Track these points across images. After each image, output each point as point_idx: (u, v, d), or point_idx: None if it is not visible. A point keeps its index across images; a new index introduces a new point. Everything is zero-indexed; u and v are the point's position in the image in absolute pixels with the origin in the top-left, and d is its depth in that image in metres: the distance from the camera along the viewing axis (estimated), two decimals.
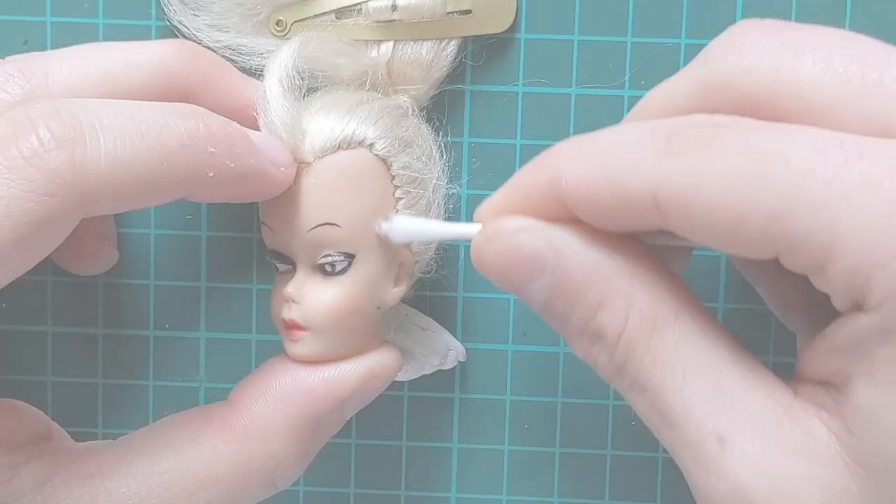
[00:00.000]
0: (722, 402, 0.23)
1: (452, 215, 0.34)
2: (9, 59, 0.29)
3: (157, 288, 0.35)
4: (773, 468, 0.22)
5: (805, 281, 0.23)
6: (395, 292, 0.30)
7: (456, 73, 0.33)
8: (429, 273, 0.32)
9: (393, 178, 0.30)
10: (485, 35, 0.33)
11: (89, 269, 0.33)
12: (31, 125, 0.25)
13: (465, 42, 0.33)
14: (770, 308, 0.30)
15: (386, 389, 0.32)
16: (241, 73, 0.32)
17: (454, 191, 0.34)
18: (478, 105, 0.34)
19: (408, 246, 0.30)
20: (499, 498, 0.36)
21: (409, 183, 0.30)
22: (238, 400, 0.29)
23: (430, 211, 0.31)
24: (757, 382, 0.23)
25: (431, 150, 0.32)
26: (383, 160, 0.30)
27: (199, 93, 0.30)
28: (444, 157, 0.32)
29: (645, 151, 0.23)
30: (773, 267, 0.23)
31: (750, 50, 0.24)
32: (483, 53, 0.34)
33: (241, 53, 0.32)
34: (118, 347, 0.35)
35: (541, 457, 0.36)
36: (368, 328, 0.30)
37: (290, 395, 0.29)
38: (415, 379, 0.35)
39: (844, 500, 0.22)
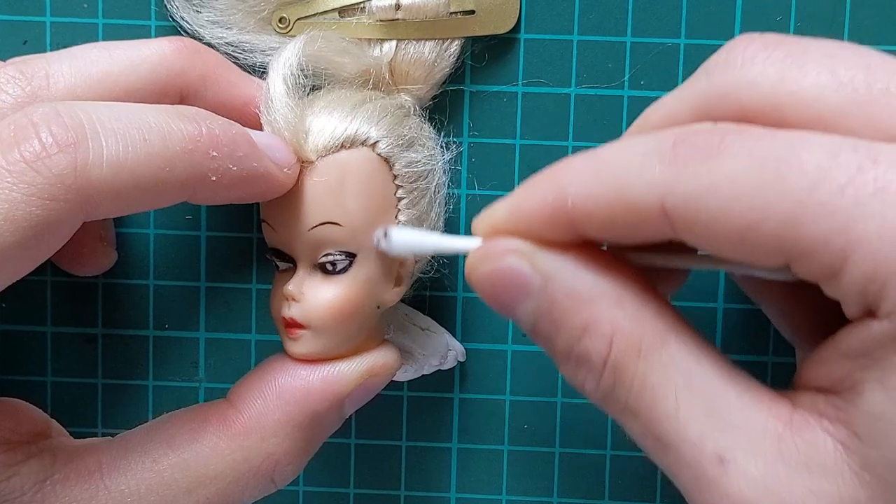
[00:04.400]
0: (719, 421, 0.23)
1: (453, 215, 0.34)
2: (10, 61, 0.29)
3: (157, 288, 0.35)
4: (778, 484, 0.22)
5: (807, 293, 0.23)
6: (396, 292, 0.30)
7: (456, 74, 0.33)
8: (429, 273, 0.32)
9: (395, 177, 0.30)
10: (486, 36, 0.33)
11: (88, 270, 0.33)
12: (33, 129, 0.25)
13: (467, 42, 0.33)
14: (771, 319, 0.30)
15: (386, 389, 0.32)
16: (241, 70, 0.32)
17: (455, 191, 0.34)
18: (478, 105, 0.34)
19: None
20: (499, 498, 0.36)
21: (411, 182, 0.30)
22: (237, 398, 0.29)
23: (431, 210, 0.31)
24: (753, 399, 0.23)
25: (433, 149, 0.32)
26: (386, 159, 0.30)
27: (200, 89, 0.30)
28: (446, 156, 0.32)
29: (651, 161, 0.23)
30: (775, 283, 0.23)
31: (752, 62, 0.23)
32: (485, 54, 0.34)
33: (243, 50, 0.32)
34: (118, 347, 0.35)
35: (541, 457, 0.36)
36: (368, 327, 0.30)
37: (289, 394, 0.29)
38: (415, 379, 0.35)
39: None
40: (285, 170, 0.28)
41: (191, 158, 0.26)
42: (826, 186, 0.21)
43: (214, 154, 0.26)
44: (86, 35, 0.34)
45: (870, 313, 0.21)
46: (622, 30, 0.34)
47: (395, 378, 0.34)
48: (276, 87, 0.29)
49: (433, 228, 0.31)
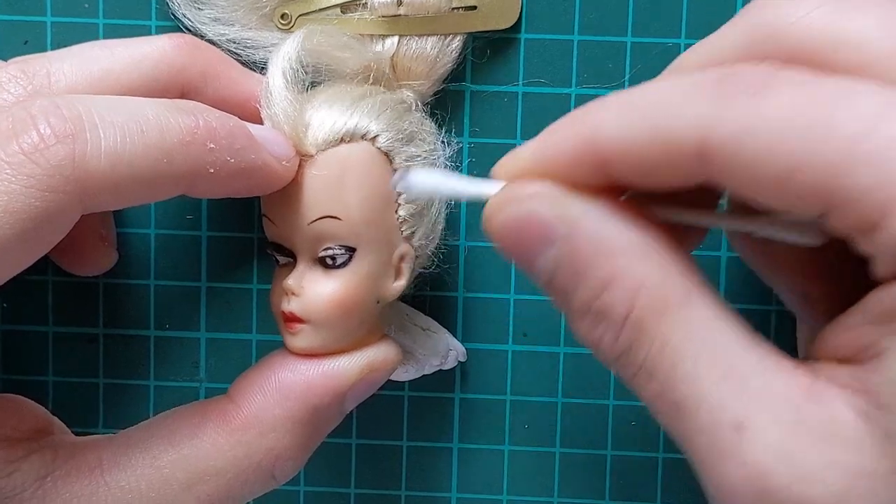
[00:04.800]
0: (738, 387, 0.22)
1: (454, 210, 0.34)
2: (11, 60, 0.29)
3: (157, 288, 0.35)
4: (795, 453, 0.21)
5: (827, 262, 0.22)
6: (396, 286, 0.30)
7: (457, 72, 0.33)
8: (430, 268, 0.32)
9: (395, 171, 0.30)
10: (488, 32, 0.33)
11: (88, 270, 0.34)
12: (31, 120, 0.25)
13: (469, 39, 0.33)
14: (778, 291, 0.29)
15: (386, 389, 0.32)
16: (242, 66, 0.32)
17: None
18: (478, 105, 0.34)
19: (409, 239, 0.30)
20: (499, 498, 0.36)
21: None
22: (237, 394, 0.29)
23: (432, 206, 0.31)
24: (774, 365, 0.22)
25: (434, 144, 0.32)
26: (386, 154, 0.30)
27: (200, 85, 0.30)
28: (446, 152, 0.32)
29: (694, 97, 0.22)
30: (791, 251, 0.22)
31: (798, 3, 0.22)
32: (486, 51, 0.34)
33: (245, 47, 0.32)
34: (118, 347, 0.36)
35: (541, 457, 0.36)
36: (368, 322, 0.30)
37: (290, 389, 0.29)
38: (415, 379, 0.35)
39: (872, 483, 0.21)
40: (284, 162, 0.28)
41: (188, 150, 0.26)
42: (877, 136, 0.20)
43: (212, 146, 0.26)
44: (86, 35, 0.34)
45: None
46: (623, 30, 0.33)
47: (396, 378, 0.34)
48: (276, 81, 0.29)
49: (434, 224, 0.31)
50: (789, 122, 0.21)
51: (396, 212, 0.30)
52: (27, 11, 0.34)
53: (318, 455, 0.30)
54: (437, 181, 0.26)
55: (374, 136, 0.30)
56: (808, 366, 0.23)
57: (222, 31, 0.32)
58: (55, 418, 0.29)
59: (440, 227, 0.32)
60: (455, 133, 0.34)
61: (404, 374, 0.34)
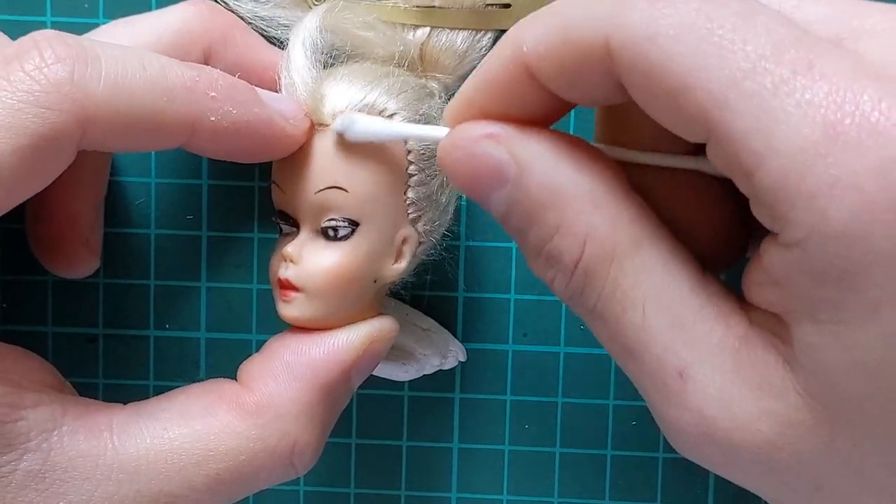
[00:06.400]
0: (681, 335, 0.22)
1: (463, 202, 0.34)
2: None
3: (158, 288, 0.35)
4: (733, 401, 0.22)
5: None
6: (395, 268, 0.30)
7: None
8: (432, 256, 0.32)
9: (409, 153, 0.30)
10: None
11: (65, 273, 0.33)
12: (34, 45, 0.25)
13: (500, 37, 0.33)
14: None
15: (386, 389, 0.32)
16: (262, 37, 0.32)
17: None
18: None
19: (415, 223, 0.30)
20: (499, 498, 0.36)
21: (424, 160, 0.30)
22: (248, 379, 0.29)
23: (442, 194, 0.31)
24: (715, 312, 0.23)
25: None
26: None
27: (221, 50, 0.31)
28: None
29: None
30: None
31: None
32: None
33: (277, 24, 0.32)
34: (119, 347, 0.36)
35: (541, 457, 0.36)
36: (363, 300, 0.30)
37: (298, 370, 0.29)
38: (415, 379, 0.35)
39: (800, 433, 0.21)
40: (291, 121, 0.28)
41: (190, 95, 0.26)
42: (761, 80, 0.20)
43: (213, 95, 0.27)
44: None
45: (778, 229, 0.21)
46: None
47: (395, 378, 0.34)
48: (296, 51, 0.29)
49: (443, 213, 0.31)
50: (682, 40, 0.21)
51: (405, 193, 0.30)
52: (27, 11, 0.34)
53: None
54: (383, 126, 0.26)
55: (392, 115, 0.29)
56: (745, 312, 0.23)
57: (254, 8, 0.32)
58: (68, 384, 0.29)
59: (448, 217, 0.31)
60: None
61: (404, 374, 0.34)
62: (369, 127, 0.28)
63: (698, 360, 0.22)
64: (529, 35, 0.23)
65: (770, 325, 0.22)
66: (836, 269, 0.20)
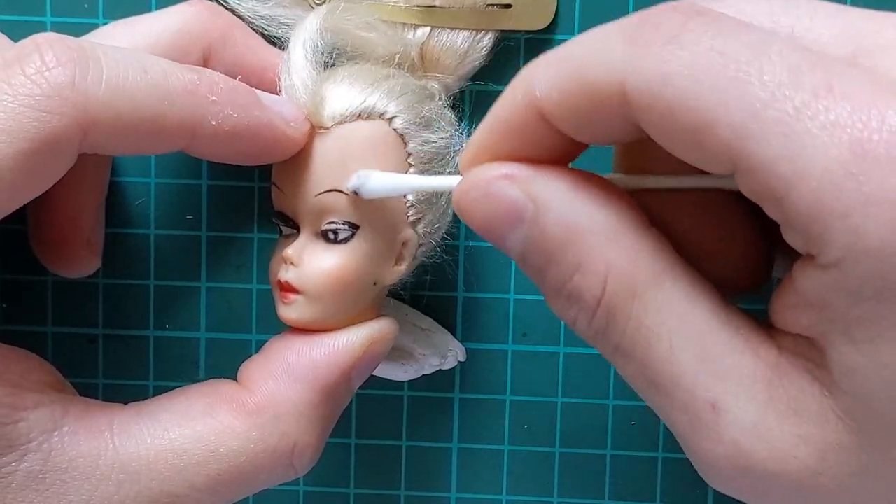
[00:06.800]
0: (711, 367, 0.22)
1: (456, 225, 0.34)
2: None
3: (158, 288, 0.35)
4: (769, 430, 0.22)
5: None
6: (395, 271, 0.30)
7: (484, 71, 0.33)
8: (432, 258, 0.32)
9: (409, 155, 0.30)
10: (521, 32, 0.33)
11: (66, 272, 0.33)
12: (35, 48, 0.25)
13: (501, 38, 0.33)
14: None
15: (386, 389, 0.32)
16: (262, 38, 0.32)
17: None
18: (479, 105, 0.34)
19: (414, 225, 0.30)
20: (499, 498, 0.36)
21: (424, 163, 0.30)
22: (248, 380, 0.29)
23: (441, 197, 0.31)
24: (743, 343, 0.22)
25: (451, 134, 0.31)
26: (401, 136, 0.30)
27: (220, 50, 0.31)
28: (463, 147, 0.32)
29: (614, 41, 0.22)
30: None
31: None
32: (516, 52, 0.33)
33: (278, 24, 0.32)
34: (119, 347, 0.36)
35: (541, 457, 0.36)
36: (363, 303, 0.30)
37: (299, 371, 0.29)
38: (415, 379, 0.35)
39: (841, 457, 0.21)
40: (291, 124, 0.28)
41: (191, 99, 0.26)
42: (782, 105, 0.20)
43: (214, 98, 0.27)
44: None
45: (813, 252, 0.20)
46: None
47: (395, 378, 0.34)
48: (296, 53, 0.29)
49: (443, 216, 0.31)
50: (699, 78, 0.20)
51: (404, 196, 0.30)
52: (27, 11, 0.34)
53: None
54: (397, 181, 0.26)
55: (392, 117, 0.29)
56: (773, 339, 0.23)
57: (255, 7, 0.32)
58: (69, 384, 0.29)
59: (448, 219, 0.31)
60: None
61: (404, 374, 0.34)
62: (384, 183, 0.28)
63: (730, 392, 0.22)
64: (542, 80, 0.23)
65: (802, 349, 0.22)
66: (873, 286, 0.20)
